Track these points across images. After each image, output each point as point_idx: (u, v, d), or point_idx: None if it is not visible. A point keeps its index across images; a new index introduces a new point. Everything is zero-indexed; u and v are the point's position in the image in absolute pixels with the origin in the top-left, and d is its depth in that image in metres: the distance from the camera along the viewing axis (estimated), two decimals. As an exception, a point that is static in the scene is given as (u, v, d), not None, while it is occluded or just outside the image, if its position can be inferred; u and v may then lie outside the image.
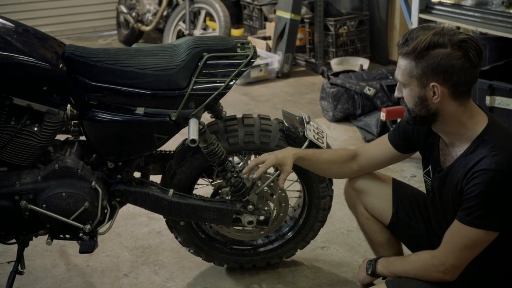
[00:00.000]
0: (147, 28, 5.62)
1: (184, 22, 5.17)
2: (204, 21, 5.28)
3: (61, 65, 2.17)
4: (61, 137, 2.36)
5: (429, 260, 1.88)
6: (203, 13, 5.19)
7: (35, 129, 2.19)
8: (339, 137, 3.97)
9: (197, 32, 5.15)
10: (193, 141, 2.14)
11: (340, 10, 5.23)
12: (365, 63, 4.79)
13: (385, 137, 2.13)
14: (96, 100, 2.24)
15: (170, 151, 2.47)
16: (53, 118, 2.20)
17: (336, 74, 4.28)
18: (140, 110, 2.22)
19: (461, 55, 1.74)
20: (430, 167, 1.99)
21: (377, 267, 2.02)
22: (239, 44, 2.31)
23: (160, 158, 2.46)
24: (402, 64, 1.82)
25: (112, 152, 2.31)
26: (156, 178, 2.45)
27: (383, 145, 2.12)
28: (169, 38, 5.31)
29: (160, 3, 5.52)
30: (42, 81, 2.17)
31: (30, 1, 6.11)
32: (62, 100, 2.23)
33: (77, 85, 2.20)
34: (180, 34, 5.33)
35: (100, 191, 2.25)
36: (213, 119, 2.40)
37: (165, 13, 5.46)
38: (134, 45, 2.51)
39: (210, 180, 2.51)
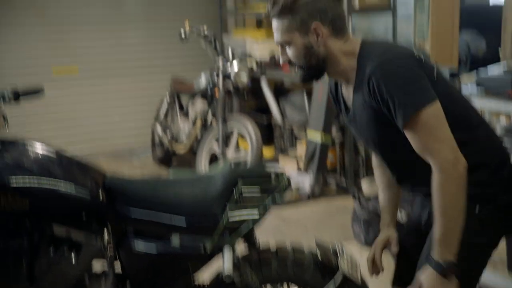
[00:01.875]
0: (181, 148, 5.75)
1: (217, 142, 5.30)
2: (237, 142, 5.40)
3: (101, 194, 2.23)
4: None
5: (441, 175, 1.78)
6: (235, 134, 5.32)
7: (73, 258, 2.22)
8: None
9: (230, 152, 5.25)
10: (228, 277, 2.15)
11: (370, 131, 5.30)
12: (397, 183, 4.78)
13: None
14: (133, 228, 2.27)
15: (204, 285, 2.44)
16: (91, 247, 2.23)
17: (369, 197, 4.27)
18: (175, 239, 2.25)
19: None
20: (343, 114, 2.08)
21: (441, 262, 1.81)
22: (273, 173, 2.36)
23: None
24: (279, 25, 1.92)
25: (146, 281, 2.31)
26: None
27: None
28: (202, 158, 5.41)
29: (194, 125, 5.67)
30: (82, 209, 2.22)
31: (67, 123, 6.34)
32: (100, 227, 2.27)
33: (115, 213, 2.25)
34: (213, 154, 5.43)
35: None
36: (247, 248, 2.40)
37: (199, 134, 5.60)
38: (171, 173, 2.57)
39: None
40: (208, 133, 5.46)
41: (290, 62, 1.99)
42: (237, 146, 5.39)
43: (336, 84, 2.09)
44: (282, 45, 1.97)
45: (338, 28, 1.92)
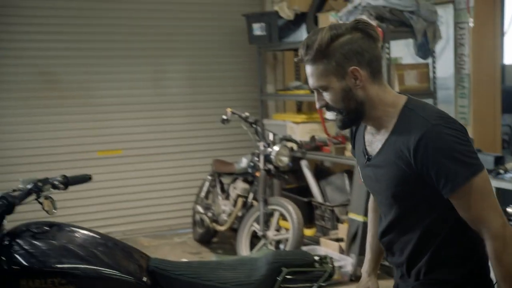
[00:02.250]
0: (222, 228, 5.76)
1: (258, 223, 5.30)
2: (278, 222, 5.39)
3: (145, 278, 2.25)
4: None
5: (495, 244, 1.75)
6: (276, 214, 5.31)
7: None
8: None
9: (271, 233, 5.23)
10: None
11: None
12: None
13: None
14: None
15: None
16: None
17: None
18: (219, 325, 2.24)
19: (362, 35, 1.81)
20: (357, 154, 2.01)
21: None
22: (317, 259, 2.35)
23: None
24: (314, 70, 1.85)
25: None
26: None
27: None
28: (243, 238, 5.40)
29: (235, 204, 5.70)
30: (126, 294, 2.24)
31: (110, 201, 6.44)
32: (144, 312, 2.29)
33: (159, 297, 2.26)
34: (254, 235, 5.42)
35: None
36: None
37: (239, 214, 5.62)
38: (214, 258, 2.59)
39: None
40: (249, 213, 5.48)
41: (327, 107, 1.90)
42: (278, 226, 5.38)
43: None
44: (318, 90, 1.89)
45: (376, 71, 1.85)
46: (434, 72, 4.87)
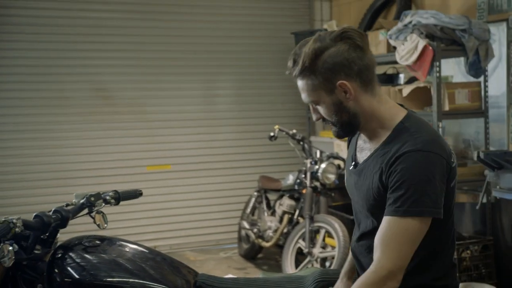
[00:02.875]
0: (267, 244, 5.78)
1: (303, 240, 5.29)
2: (323, 239, 5.37)
3: (192, 293, 2.28)
4: None
5: (372, 276, 1.73)
6: (322, 232, 5.30)
7: None
8: None
9: (316, 250, 5.22)
10: None
11: (462, 234, 5.16)
12: (491, 290, 4.59)
13: None
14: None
15: None
16: None
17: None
18: None
19: (348, 46, 1.75)
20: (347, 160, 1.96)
21: None
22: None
23: None
24: (303, 85, 1.83)
25: None
26: None
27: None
28: (289, 254, 5.40)
29: (281, 221, 5.71)
30: (173, 309, 2.27)
31: (158, 216, 6.53)
32: (190, 328, 2.31)
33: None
34: (299, 251, 5.42)
35: None
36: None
37: (285, 231, 5.62)
38: (260, 275, 2.60)
39: None
40: (294, 230, 5.48)
41: (323, 120, 1.89)
42: (324, 243, 5.35)
43: None
44: (312, 104, 1.88)
45: (367, 81, 1.81)
46: (486, 91, 4.79)
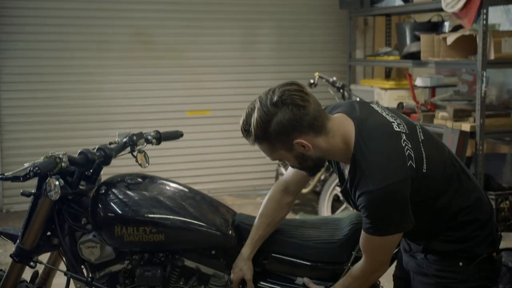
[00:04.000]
0: (305, 190, 5.81)
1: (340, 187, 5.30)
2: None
3: (230, 232, 2.34)
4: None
5: (361, 273, 2.03)
6: (359, 180, 5.29)
7: (201, 290, 2.34)
8: (500, 320, 3.72)
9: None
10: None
11: (502, 184, 5.11)
12: (529, 241, 4.56)
13: None
14: (260, 268, 2.35)
15: None
16: (218, 281, 2.34)
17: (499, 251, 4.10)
18: (299, 281, 2.30)
19: (290, 108, 1.82)
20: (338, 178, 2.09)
21: None
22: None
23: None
24: (262, 148, 1.93)
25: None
26: None
27: None
28: (325, 201, 5.44)
29: (318, 168, 5.72)
30: (212, 246, 2.34)
31: (196, 160, 6.63)
32: (228, 264, 2.38)
33: (243, 252, 2.34)
34: (335, 198, 5.45)
35: None
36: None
37: (322, 177, 5.65)
38: (298, 216, 2.64)
39: None
40: (332, 177, 5.50)
41: (293, 167, 2.05)
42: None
43: None
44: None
45: (319, 127, 1.87)
46: (533, 40, 4.65)
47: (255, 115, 1.88)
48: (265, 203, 2.35)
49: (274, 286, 2.32)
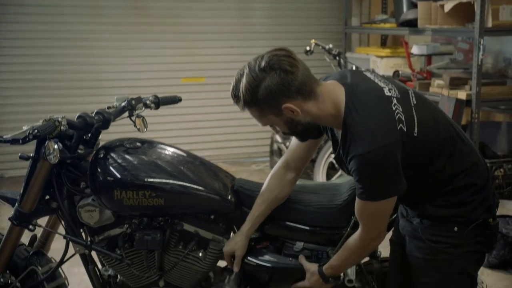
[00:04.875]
0: (299, 158, 5.82)
1: (335, 155, 5.30)
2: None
3: (229, 197, 2.34)
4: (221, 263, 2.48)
5: (358, 243, 2.04)
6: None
7: (200, 254, 2.35)
8: (494, 285, 3.78)
9: (348, 165, 5.25)
10: (350, 281, 2.18)
11: (497, 152, 5.14)
12: (522, 208, 4.60)
13: None
14: (259, 232, 2.36)
15: None
16: (217, 245, 2.35)
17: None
18: (299, 245, 2.31)
19: (278, 72, 1.82)
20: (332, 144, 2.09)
21: (326, 273, 2.16)
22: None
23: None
24: (252, 114, 1.93)
25: (266, 285, 2.38)
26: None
27: (301, 142, 2.20)
28: (320, 168, 5.45)
29: (313, 136, 5.72)
30: (211, 210, 2.34)
31: (190, 127, 6.62)
32: (227, 229, 2.39)
33: (242, 216, 2.34)
34: (330, 166, 5.46)
35: None
36: (369, 257, 2.42)
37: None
38: (297, 182, 2.64)
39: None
40: (327, 145, 5.50)
41: (283, 133, 2.03)
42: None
43: None
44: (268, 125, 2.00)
45: (308, 92, 1.87)
46: (531, 8, 4.63)
47: (243, 81, 1.88)
48: (267, 180, 2.35)
49: (262, 263, 2.31)
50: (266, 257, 2.32)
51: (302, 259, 2.26)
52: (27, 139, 2.06)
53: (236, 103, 1.95)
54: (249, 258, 2.31)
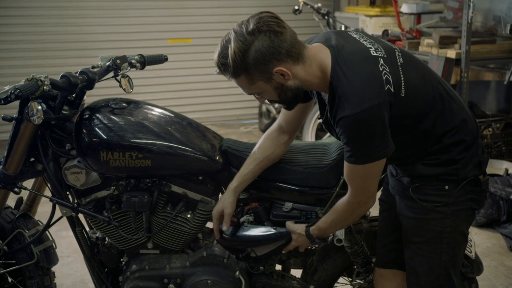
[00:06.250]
0: (288, 120, 5.79)
1: (324, 116, 5.28)
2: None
3: (217, 157, 2.31)
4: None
5: (347, 206, 2.02)
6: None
7: (188, 216, 2.33)
8: (481, 244, 3.81)
9: (337, 126, 5.23)
10: (339, 240, 2.17)
11: (485, 112, 5.13)
12: (510, 167, 4.61)
13: None
14: (247, 193, 2.34)
15: (313, 247, 2.49)
16: (206, 206, 2.33)
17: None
18: (288, 206, 2.29)
19: (268, 34, 1.78)
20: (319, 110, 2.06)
21: (313, 234, 2.16)
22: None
23: (302, 253, 2.50)
24: (240, 82, 1.87)
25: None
26: (296, 272, 2.47)
27: None
28: (309, 130, 5.44)
29: (302, 97, 5.69)
30: (199, 171, 2.31)
31: (178, 89, 6.56)
32: (216, 190, 2.36)
33: (230, 177, 2.31)
34: (319, 127, 5.44)
35: (243, 281, 2.31)
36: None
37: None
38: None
39: (350, 280, 2.50)
40: (315, 106, 5.47)
41: (270, 101, 1.97)
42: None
43: None
44: (255, 94, 1.94)
45: (297, 54, 1.83)
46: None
47: (231, 46, 1.82)
48: (260, 141, 2.32)
49: (240, 240, 2.29)
50: (244, 232, 2.29)
51: (290, 224, 2.24)
52: (9, 99, 2.01)
53: (223, 71, 1.88)
54: (226, 233, 2.29)
